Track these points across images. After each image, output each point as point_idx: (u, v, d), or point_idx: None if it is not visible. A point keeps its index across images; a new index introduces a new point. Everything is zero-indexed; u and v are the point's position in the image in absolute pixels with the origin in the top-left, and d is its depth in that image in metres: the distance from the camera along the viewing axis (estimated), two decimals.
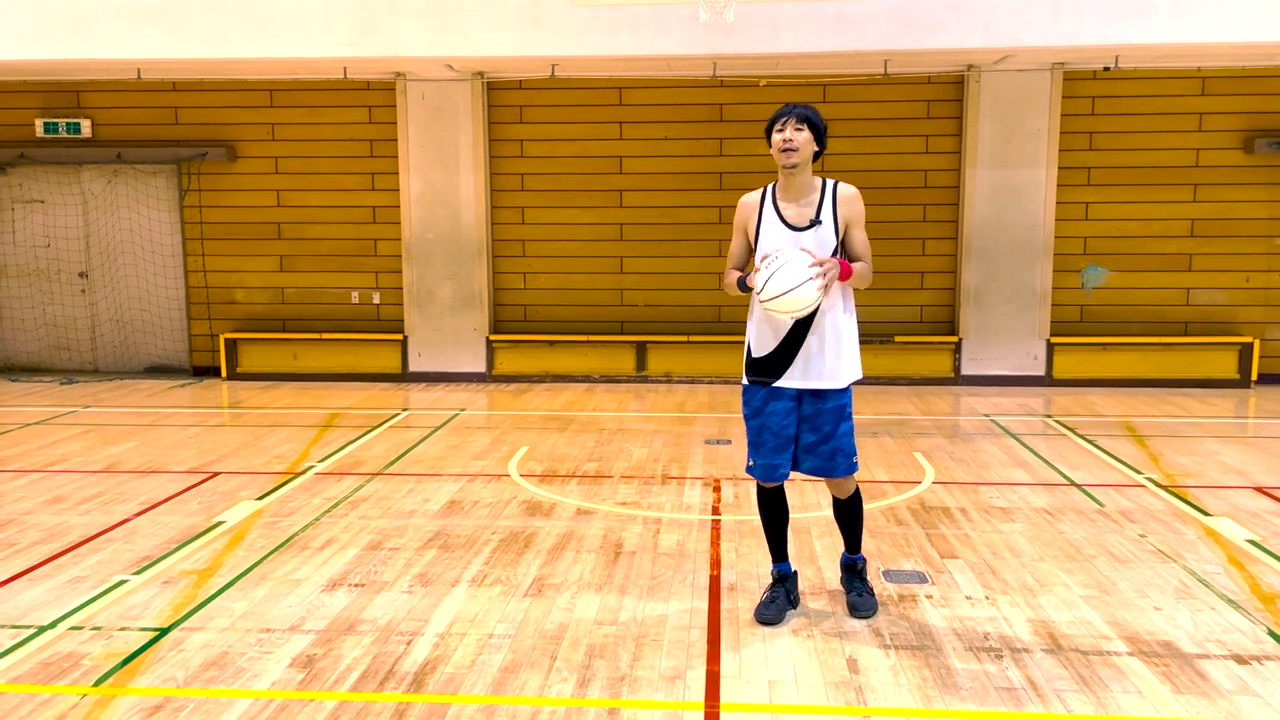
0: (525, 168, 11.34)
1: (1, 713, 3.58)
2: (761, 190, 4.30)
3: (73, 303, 11.85)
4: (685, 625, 4.36)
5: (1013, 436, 8.29)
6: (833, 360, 4.19)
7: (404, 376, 11.40)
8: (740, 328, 4.40)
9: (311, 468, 7.23)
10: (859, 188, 4.26)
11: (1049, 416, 9.21)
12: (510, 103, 11.25)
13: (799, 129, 4.09)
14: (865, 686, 3.78)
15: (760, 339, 4.26)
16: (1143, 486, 6.65)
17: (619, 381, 11.25)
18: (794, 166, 4.11)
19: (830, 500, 4.54)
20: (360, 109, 11.29)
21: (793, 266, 3.91)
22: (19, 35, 9.64)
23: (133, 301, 11.81)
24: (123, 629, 4.33)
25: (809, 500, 6.19)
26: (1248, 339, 10.76)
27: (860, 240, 4.22)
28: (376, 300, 11.54)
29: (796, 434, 4.27)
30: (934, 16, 9.20)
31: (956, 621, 4.39)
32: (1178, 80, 10.64)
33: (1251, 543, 5.47)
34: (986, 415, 9.28)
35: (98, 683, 3.82)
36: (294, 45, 9.64)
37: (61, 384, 11.18)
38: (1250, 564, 5.13)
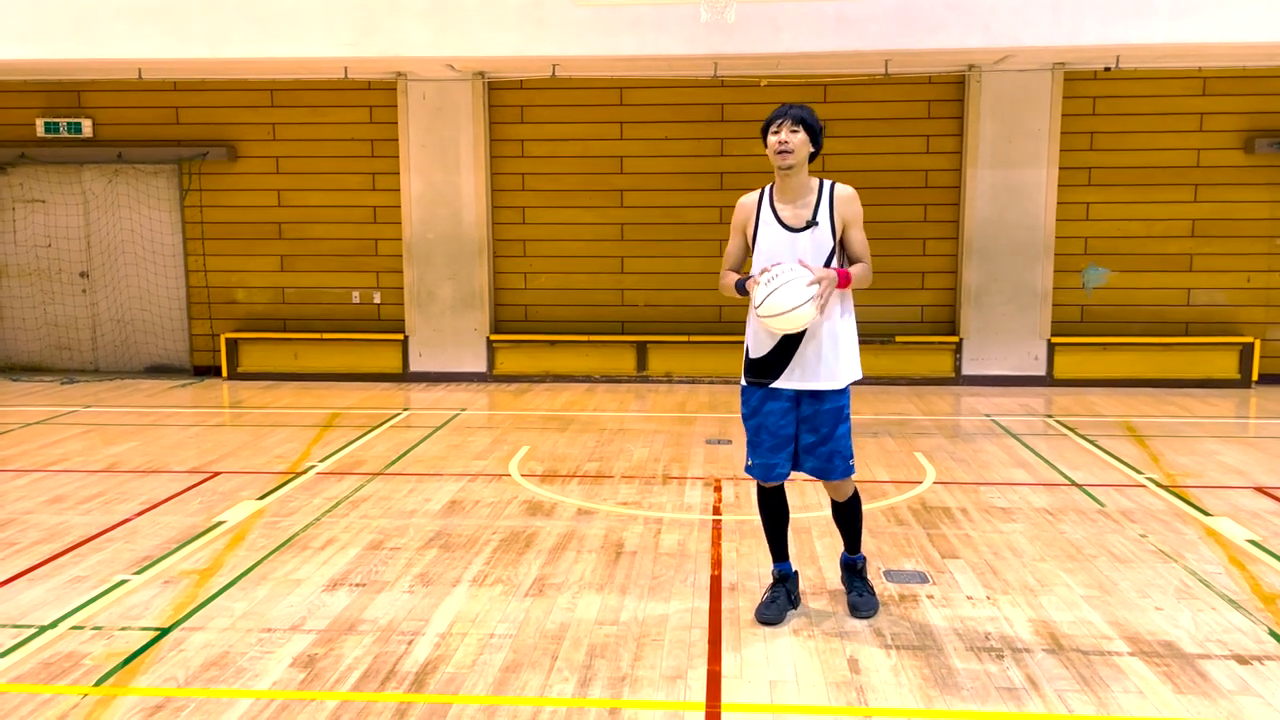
0: (526, 168, 11.34)
1: (2, 712, 3.58)
2: (759, 191, 4.31)
3: (73, 302, 11.85)
4: (686, 625, 4.36)
5: (1013, 436, 8.29)
6: (830, 362, 4.19)
7: (405, 376, 11.41)
8: (741, 328, 4.40)
9: (312, 467, 7.24)
10: (860, 188, 4.26)
11: (1050, 416, 9.21)
12: (511, 103, 11.25)
13: (794, 130, 4.10)
14: (866, 686, 3.78)
15: (758, 340, 4.26)
16: (1143, 486, 6.65)
17: (620, 381, 11.25)
18: (790, 168, 4.12)
19: (829, 501, 4.55)
20: (361, 109, 11.29)
21: (792, 287, 3.92)
22: (20, 35, 9.64)
23: (133, 301, 11.82)
24: (123, 629, 4.33)
25: (809, 500, 6.19)
26: (1248, 339, 10.76)
27: (859, 240, 4.22)
28: (377, 300, 11.55)
29: (796, 434, 4.28)
30: (934, 16, 9.20)
31: (957, 621, 4.39)
32: (1178, 80, 10.64)
33: (1252, 543, 5.47)
34: (987, 415, 9.28)
35: (98, 682, 3.82)
36: (295, 45, 9.65)
37: (62, 384, 11.18)
38: (1251, 564, 5.13)
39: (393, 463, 7.40)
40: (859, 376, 4.30)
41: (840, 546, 4.64)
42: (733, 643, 4.17)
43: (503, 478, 6.95)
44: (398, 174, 11.27)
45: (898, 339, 10.97)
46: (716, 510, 6.14)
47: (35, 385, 11.05)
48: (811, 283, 3.93)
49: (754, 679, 3.85)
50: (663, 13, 9.26)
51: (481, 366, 11.38)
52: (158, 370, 11.92)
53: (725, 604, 4.60)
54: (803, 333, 4.13)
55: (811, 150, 4.17)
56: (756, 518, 5.00)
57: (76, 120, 11.43)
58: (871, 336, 10.49)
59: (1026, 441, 8.08)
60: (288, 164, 11.45)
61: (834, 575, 4.89)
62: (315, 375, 11.40)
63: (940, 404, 9.93)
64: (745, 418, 4.37)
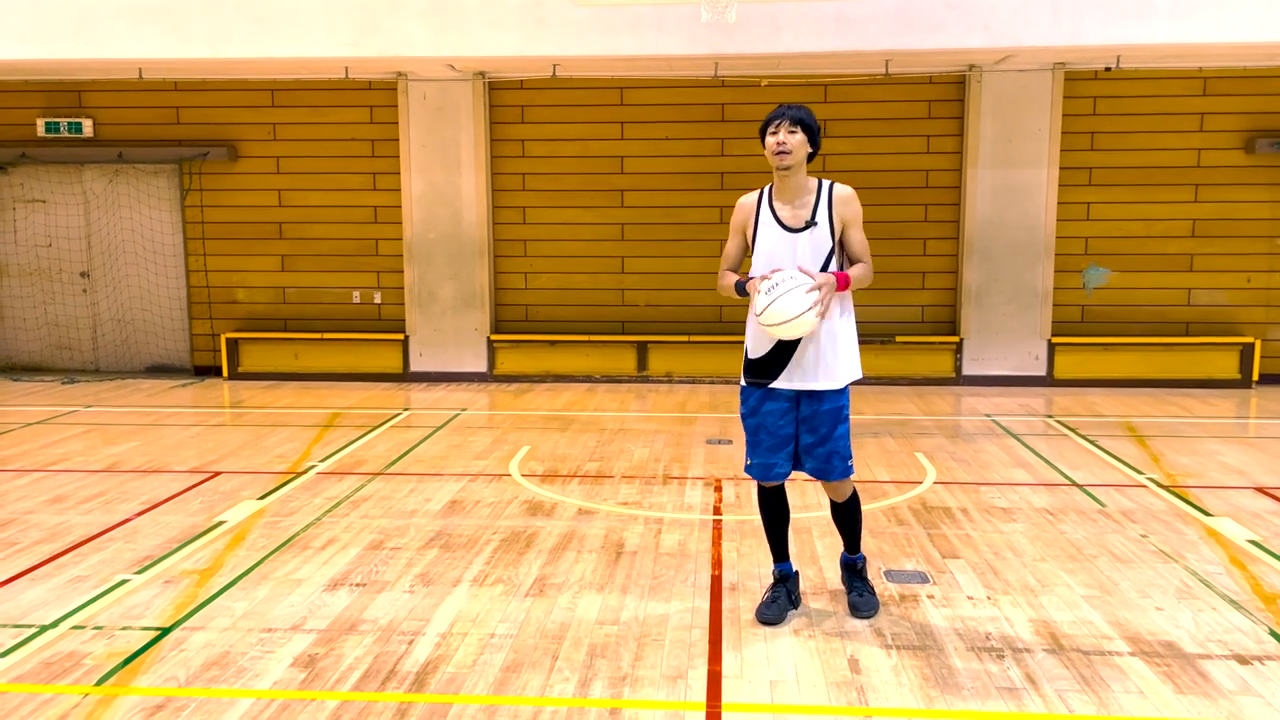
0: (527, 168, 11.34)
1: (4, 712, 3.59)
2: (759, 192, 4.32)
3: (74, 302, 11.86)
4: (687, 625, 4.36)
5: (1014, 436, 8.29)
6: (829, 362, 4.19)
7: (405, 376, 11.41)
8: (741, 328, 4.41)
9: (313, 467, 7.24)
10: (860, 188, 4.27)
11: (1050, 417, 9.21)
12: (512, 103, 11.25)
13: (792, 131, 4.11)
14: (867, 686, 3.78)
15: (756, 341, 4.27)
16: (1144, 487, 6.65)
17: (620, 381, 11.25)
18: (788, 169, 4.13)
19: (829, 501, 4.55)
20: (362, 109, 11.29)
21: (793, 295, 3.93)
22: (20, 35, 9.64)
23: (134, 301, 11.82)
24: (124, 628, 4.33)
25: (810, 500, 6.19)
26: (1249, 339, 10.76)
27: (859, 240, 4.22)
28: (378, 300, 11.55)
29: (796, 435, 4.28)
30: (935, 16, 9.20)
31: (958, 621, 4.39)
32: (1179, 80, 10.64)
33: (1253, 543, 5.47)
34: (988, 415, 9.28)
35: (99, 682, 3.82)
36: (295, 45, 9.65)
37: (63, 383, 11.18)
38: (1251, 564, 5.13)
39: (393, 463, 7.40)
40: (859, 376, 4.31)
41: (840, 546, 4.65)
42: (733, 643, 4.17)
43: (503, 478, 6.95)
44: (398, 174, 11.27)
45: (898, 339, 10.97)
46: (717, 510, 6.15)
47: (36, 385, 11.05)
48: (811, 289, 3.94)
49: (754, 679, 3.85)
50: (663, 13, 9.26)
51: (482, 366, 11.38)
52: (158, 370, 11.92)
53: (726, 604, 4.60)
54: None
55: (810, 150, 4.18)
56: (757, 518, 5.00)
57: (77, 120, 11.43)
58: (872, 336, 10.50)
59: (1027, 441, 8.08)
60: (288, 164, 11.46)
61: (834, 575, 4.89)
62: (316, 375, 11.40)
63: (941, 404, 9.93)
64: (744, 417, 4.38)
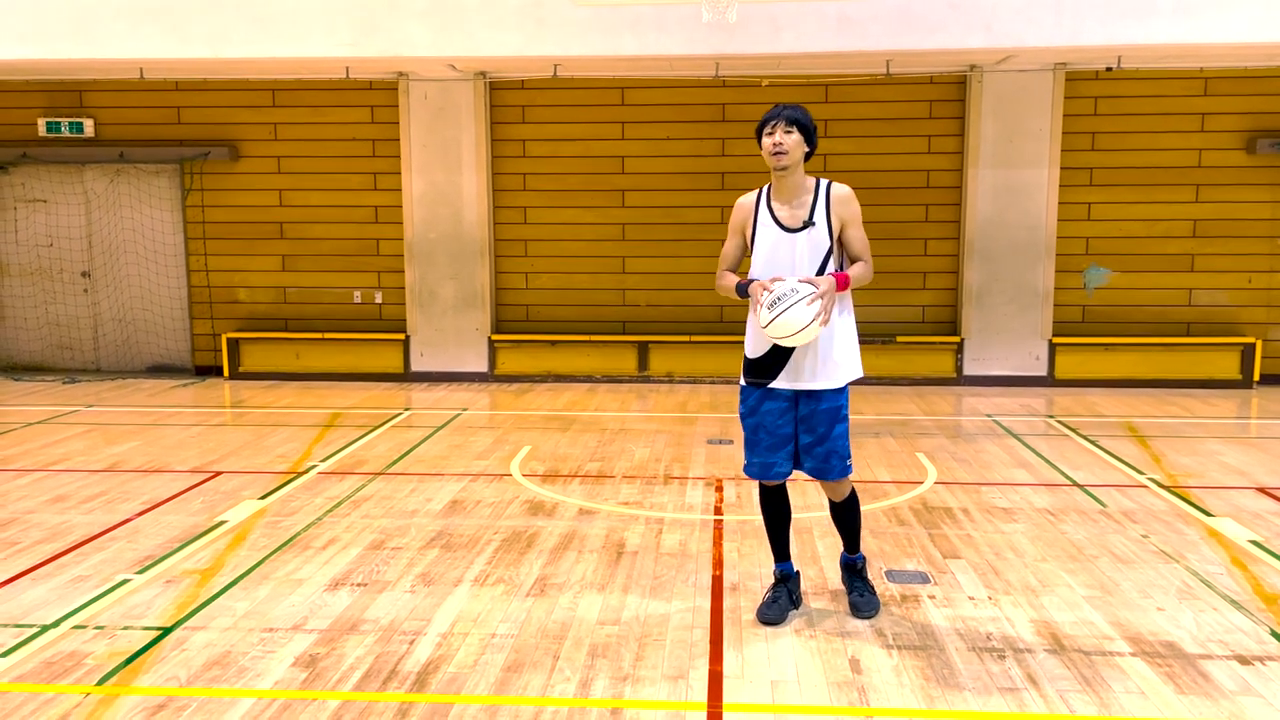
0: (527, 167, 11.34)
1: (5, 712, 3.59)
2: (757, 192, 4.32)
3: (75, 302, 11.86)
4: (688, 625, 4.36)
5: (1015, 437, 8.29)
6: (827, 362, 4.20)
7: (406, 376, 11.41)
8: (742, 328, 4.41)
9: (314, 467, 7.24)
10: (861, 188, 4.27)
11: (1051, 417, 9.20)
12: (512, 103, 11.25)
13: (788, 131, 4.11)
14: (868, 686, 3.78)
15: (755, 341, 4.28)
16: (1145, 487, 6.65)
17: (621, 381, 11.25)
18: (785, 169, 4.14)
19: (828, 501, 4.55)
20: (362, 109, 11.30)
21: (797, 310, 3.95)
22: (21, 35, 9.65)
23: (135, 301, 11.82)
24: (125, 628, 4.34)
25: (811, 500, 6.19)
26: (1250, 339, 10.75)
27: (858, 239, 4.23)
28: (379, 300, 11.55)
29: (795, 434, 4.28)
30: (936, 17, 9.20)
31: (959, 621, 4.39)
32: (1180, 80, 10.64)
33: (1254, 543, 5.47)
34: (988, 415, 9.28)
35: (101, 682, 3.83)
36: (296, 45, 9.65)
37: (64, 383, 11.19)
38: (1252, 564, 5.13)
39: (394, 462, 7.41)
40: (859, 375, 4.31)
41: (842, 547, 4.65)
42: (734, 643, 4.17)
43: (504, 478, 6.95)
44: (399, 174, 11.27)
45: (899, 339, 10.97)
46: (718, 510, 6.15)
47: (37, 385, 11.06)
48: (814, 299, 3.95)
49: (755, 679, 3.85)
50: (664, 13, 9.26)
51: (483, 366, 11.38)
52: (159, 370, 11.93)
53: (727, 604, 4.60)
54: None
55: (806, 150, 4.18)
56: (758, 518, 5.00)
57: (78, 120, 11.44)
58: (873, 336, 10.50)
59: (1028, 442, 8.08)
60: (289, 164, 11.46)
61: (836, 575, 4.89)
62: (317, 375, 11.40)
63: (941, 404, 9.93)
64: (743, 417, 4.38)
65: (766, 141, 4.15)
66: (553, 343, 11.32)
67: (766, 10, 9.18)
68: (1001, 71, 10.57)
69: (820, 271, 4.16)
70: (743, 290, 4.22)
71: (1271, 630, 4.29)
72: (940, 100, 10.92)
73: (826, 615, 4.46)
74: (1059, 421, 8.95)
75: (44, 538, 5.58)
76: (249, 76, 11.18)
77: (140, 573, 5.02)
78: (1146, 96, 10.69)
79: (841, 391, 4.26)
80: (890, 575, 4.96)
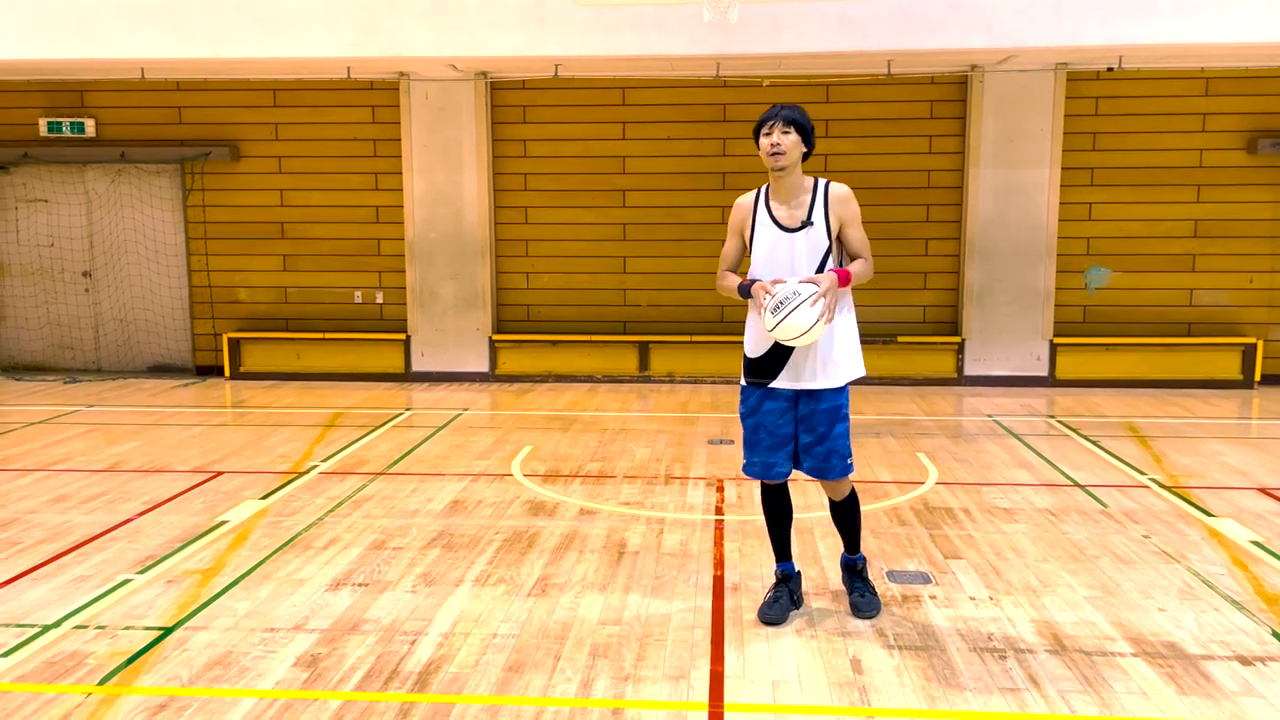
0: (528, 167, 11.35)
1: (7, 712, 3.59)
2: (755, 192, 4.32)
3: (76, 302, 11.86)
4: (689, 625, 4.37)
5: (1016, 437, 8.29)
6: (827, 362, 4.20)
7: (407, 376, 11.41)
8: (743, 328, 4.41)
9: (315, 467, 7.24)
10: (862, 188, 4.27)
11: (1052, 417, 9.20)
12: (513, 103, 11.25)
13: (786, 132, 4.11)
14: (869, 687, 3.78)
15: (754, 341, 4.29)
16: (1146, 487, 6.65)
17: (622, 381, 11.25)
18: (783, 169, 4.14)
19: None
20: (364, 109, 11.30)
21: (801, 312, 3.95)
22: (22, 35, 9.65)
23: (136, 301, 11.83)
24: (127, 628, 4.34)
25: (812, 500, 6.19)
26: (1251, 340, 10.75)
27: (858, 238, 4.23)
28: (380, 300, 11.55)
29: (795, 434, 4.28)
30: (937, 17, 9.20)
31: (960, 622, 4.39)
32: (1181, 81, 10.63)
33: (1255, 544, 5.47)
34: (989, 416, 9.28)
35: (102, 682, 3.83)
36: (297, 45, 9.65)
37: (65, 383, 11.19)
38: (1254, 565, 5.13)
39: (395, 462, 7.41)
40: (860, 374, 4.31)
41: (842, 547, 4.65)
42: (735, 643, 4.17)
43: (505, 478, 6.96)
44: (400, 174, 11.27)
45: (900, 339, 10.97)
46: (719, 510, 6.15)
47: (38, 385, 11.06)
48: (816, 299, 3.95)
49: (757, 679, 3.85)
50: (665, 13, 9.26)
51: (484, 366, 11.38)
52: (160, 370, 11.93)
53: (728, 604, 4.60)
54: None
55: (804, 150, 4.18)
56: (758, 518, 5.00)
57: (79, 120, 11.44)
58: (873, 337, 10.49)
59: (1029, 442, 8.07)
60: (290, 164, 11.46)
61: (837, 575, 4.89)
62: (317, 375, 11.41)
63: (942, 404, 9.93)
64: (743, 416, 4.39)
65: (764, 142, 4.15)
66: (553, 343, 11.32)
67: (767, 10, 9.19)
68: (1002, 71, 10.57)
69: (819, 271, 4.16)
70: (744, 291, 4.23)
71: (1273, 631, 4.29)
72: (941, 100, 10.92)
73: (827, 615, 4.46)
74: (1060, 422, 8.95)
75: (45, 538, 5.58)
76: (250, 76, 11.18)
77: (141, 573, 5.02)
78: (1147, 96, 10.69)
79: (841, 391, 4.27)
80: (891, 575, 4.96)
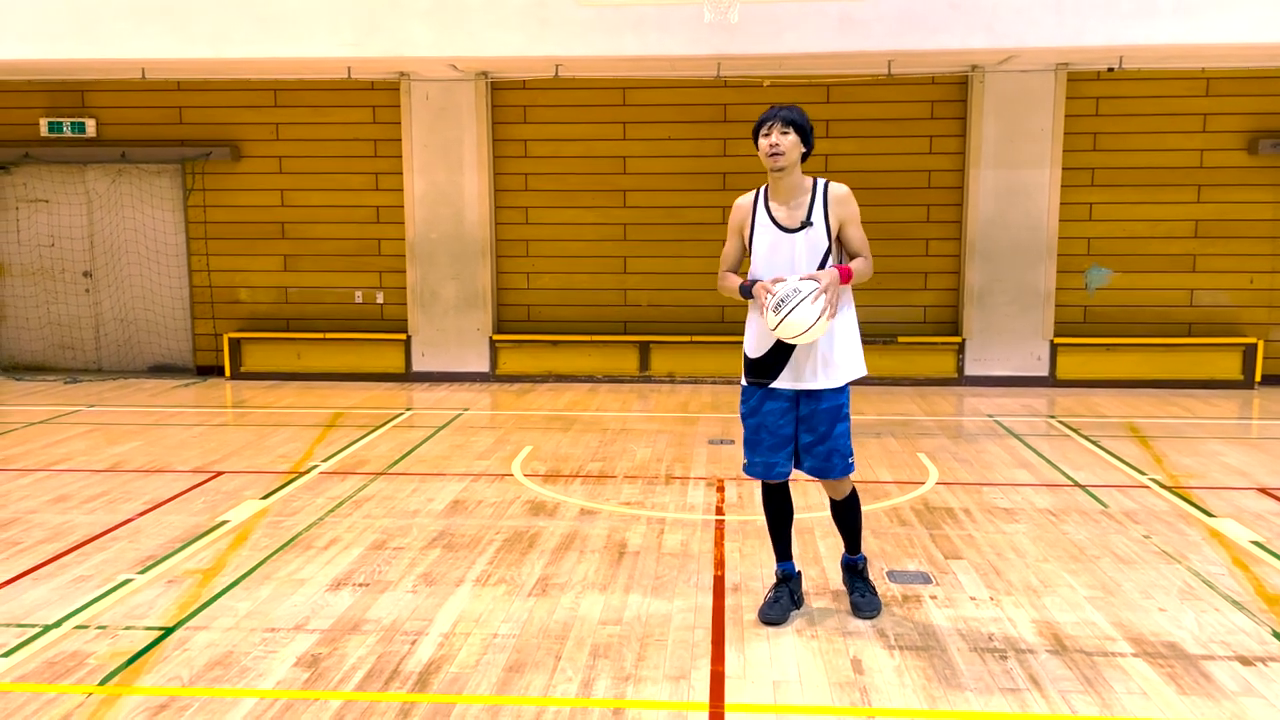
0: (529, 168, 11.35)
1: (7, 712, 3.59)
2: (754, 193, 4.33)
3: (77, 302, 11.87)
4: (689, 625, 4.37)
5: (1016, 437, 8.29)
6: (828, 361, 4.21)
7: (407, 376, 11.41)
8: (743, 328, 4.42)
9: (315, 467, 7.24)
10: (863, 188, 4.27)
11: (1052, 417, 9.20)
12: (514, 103, 11.25)
13: (784, 132, 4.11)
14: (870, 687, 3.78)
15: (754, 341, 4.29)
16: (1146, 487, 6.65)
17: (622, 381, 11.25)
18: (782, 170, 4.14)
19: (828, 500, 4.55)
20: (364, 109, 11.30)
21: (803, 309, 3.95)
22: (23, 35, 9.65)
23: (137, 301, 11.83)
24: (128, 628, 4.34)
25: (813, 500, 6.19)
26: (1251, 340, 10.75)
27: (857, 237, 4.23)
28: (380, 300, 11.55)
29: (796, 433, 4.29)
30: (938, 17, 9.20)
31: (961, 622, 4.39)
32: (1182, 81, 10.63)
33: (1255, 544, 5.47)
34: (990, 416, 9.28)
35: (103, 682, 3.83)
36: (298, 45, 9.65)
37: (65, 383, 11.19)
38: (1254, 565, 5.13)
39: (396, 462, 7.41)
40: (862, 374, 4.31)
41: (843, 547, 4.65)
42: (736, 643, 4.17)
43: (505, 478, 6.96)
44: (401, 174, 11.27)
45: (900, 339, 10.97)
46: (719, 510, 6.15)
47: (39, 385, 11.06)
48: (818, 295, 3.95)
49: (757, 679, 3.85)
50: (666, 13, 9.26)
51: (484, 366, 11.39)
52: (161, 370, 11.93)
53: (728, 604, 4.60)
54: None
55: (803, 151, 4.18)
56: (759, 518, 5.00)
57: (80, 120, 11.45)
58: (874, 337, 10.49)
59: (1029, 442, 8.07)
60: (291, 164, 11.47)
61: (837, 575, 4.88)
62: (318, 375, 11.41)
63: (943, 404, 9.93)
64: (744, 417, 4.39)
65: (763, 143, 4.15)
66: (554, 343, 11.33)
67: (768, 10, 9.19)
68: (1003, 72, 10.57)
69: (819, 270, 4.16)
70: (746, 292, 4.23)
71: (1273, 631, 4.28)
72: (942, 100, 10.92)
73: (828, 615, 4.46)
74: (1060, 422, 8.95)
75: (46, 537, 5.58)
76: (251, 76, 11.19)
77: (142, 573, 5.02)
78: (1148, 97, 10.68)
79: (842, 390, 4.27)
80: (892, 575, 4.96)
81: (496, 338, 11.35)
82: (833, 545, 5.34)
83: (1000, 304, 10.89)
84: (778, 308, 3.98)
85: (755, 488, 6.30)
